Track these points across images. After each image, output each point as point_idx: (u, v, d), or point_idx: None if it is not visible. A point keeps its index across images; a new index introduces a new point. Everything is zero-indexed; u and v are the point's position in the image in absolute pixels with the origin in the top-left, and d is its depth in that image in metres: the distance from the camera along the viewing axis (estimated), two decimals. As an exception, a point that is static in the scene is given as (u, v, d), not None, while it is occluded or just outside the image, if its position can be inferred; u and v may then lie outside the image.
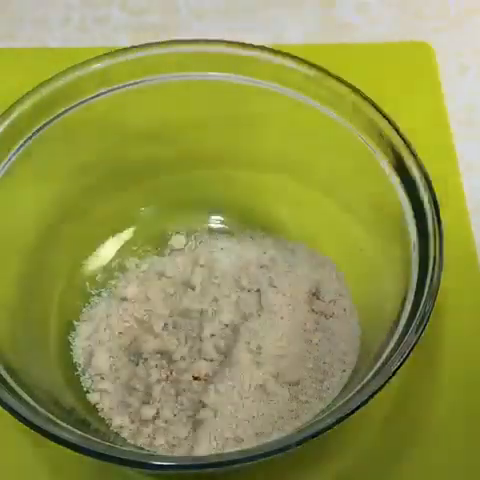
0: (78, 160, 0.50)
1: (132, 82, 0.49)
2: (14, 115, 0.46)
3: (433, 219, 0.43)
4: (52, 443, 0.38)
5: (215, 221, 0.54)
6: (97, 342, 0.49)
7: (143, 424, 0.45)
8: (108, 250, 0.53)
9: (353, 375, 0.46)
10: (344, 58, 0.61)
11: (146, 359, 0.47)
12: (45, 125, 0.47)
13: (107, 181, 0.52)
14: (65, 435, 0.38)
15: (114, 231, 0.53)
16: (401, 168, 0.45)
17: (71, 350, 0.48)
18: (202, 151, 0.52)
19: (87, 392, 0.47)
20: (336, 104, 0.48)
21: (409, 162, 0.45)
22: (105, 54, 0.48)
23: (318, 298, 0.49)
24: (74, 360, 0.48)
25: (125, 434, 0.45)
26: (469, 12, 0.68)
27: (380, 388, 0.39)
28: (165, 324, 0.48)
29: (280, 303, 0.48)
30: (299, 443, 0.38)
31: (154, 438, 0.45)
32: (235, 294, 0.48)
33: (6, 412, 0.39)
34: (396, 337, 0.41)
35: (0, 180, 0.46)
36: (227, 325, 0.47)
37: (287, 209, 0.53)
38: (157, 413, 0.45)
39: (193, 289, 0.49)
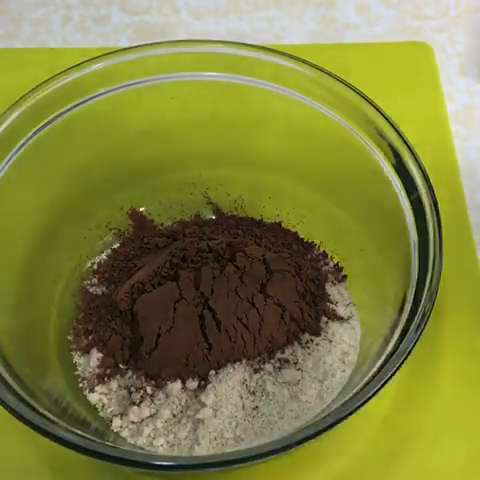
0: (78, 160, 0.50)
1: (132, 82, 0.49)
2: (14, 115, 0.46)
3: (433, 219, 0.43)
4: (52, 443, 0.38)
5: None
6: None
7: (143, 424, 0.45)
8: (108, 250, 0.53)
9: (353, 375, 0.46)
10: (344, 58, 0.61)
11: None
12: (45, 125, 0.47)
13: (107, 181, 0.52)
14: (65, 435, 0.38)
15: (114, 231, 0.53)
16: (401, 168, 0.45)
17: (71, 350, 0.48)
18: (202, 151, 0.52)
19: (87, 392, 0.47)
20: (336, 104, 0.48)
21: (409, 162, 0.45)
22: (105, 54, 0.49)
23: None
24: (74, 360, 0.48)
25: (125, 434, 0.45)
26: (469, 12, 0.68)
27: (380, 388, 0.39)
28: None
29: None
30: (299, 443, 0.38)
31: (154, 438, 0.45)
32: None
33: (7, 412, 0.39)
34: (396, 337, 0.41)
35: (0, 180, 0.46)
36: None
37: (287, 209, 0.53)
38: (157, 413, 0.45)
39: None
